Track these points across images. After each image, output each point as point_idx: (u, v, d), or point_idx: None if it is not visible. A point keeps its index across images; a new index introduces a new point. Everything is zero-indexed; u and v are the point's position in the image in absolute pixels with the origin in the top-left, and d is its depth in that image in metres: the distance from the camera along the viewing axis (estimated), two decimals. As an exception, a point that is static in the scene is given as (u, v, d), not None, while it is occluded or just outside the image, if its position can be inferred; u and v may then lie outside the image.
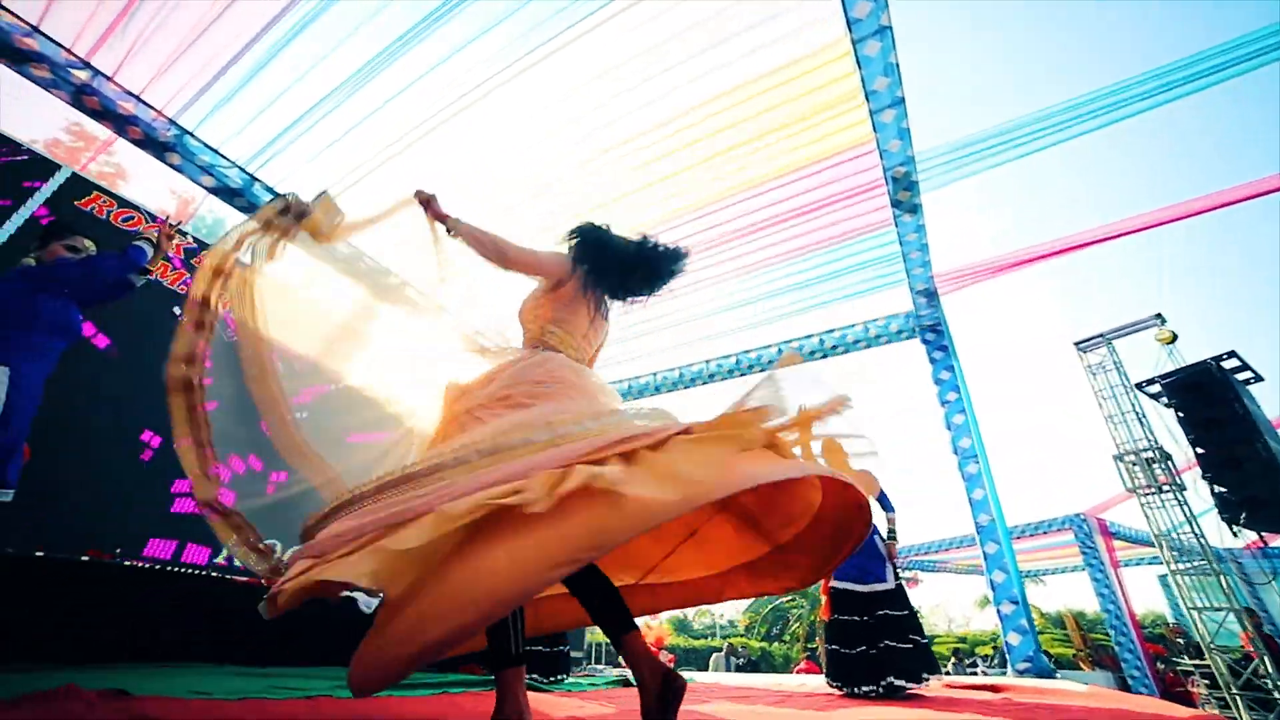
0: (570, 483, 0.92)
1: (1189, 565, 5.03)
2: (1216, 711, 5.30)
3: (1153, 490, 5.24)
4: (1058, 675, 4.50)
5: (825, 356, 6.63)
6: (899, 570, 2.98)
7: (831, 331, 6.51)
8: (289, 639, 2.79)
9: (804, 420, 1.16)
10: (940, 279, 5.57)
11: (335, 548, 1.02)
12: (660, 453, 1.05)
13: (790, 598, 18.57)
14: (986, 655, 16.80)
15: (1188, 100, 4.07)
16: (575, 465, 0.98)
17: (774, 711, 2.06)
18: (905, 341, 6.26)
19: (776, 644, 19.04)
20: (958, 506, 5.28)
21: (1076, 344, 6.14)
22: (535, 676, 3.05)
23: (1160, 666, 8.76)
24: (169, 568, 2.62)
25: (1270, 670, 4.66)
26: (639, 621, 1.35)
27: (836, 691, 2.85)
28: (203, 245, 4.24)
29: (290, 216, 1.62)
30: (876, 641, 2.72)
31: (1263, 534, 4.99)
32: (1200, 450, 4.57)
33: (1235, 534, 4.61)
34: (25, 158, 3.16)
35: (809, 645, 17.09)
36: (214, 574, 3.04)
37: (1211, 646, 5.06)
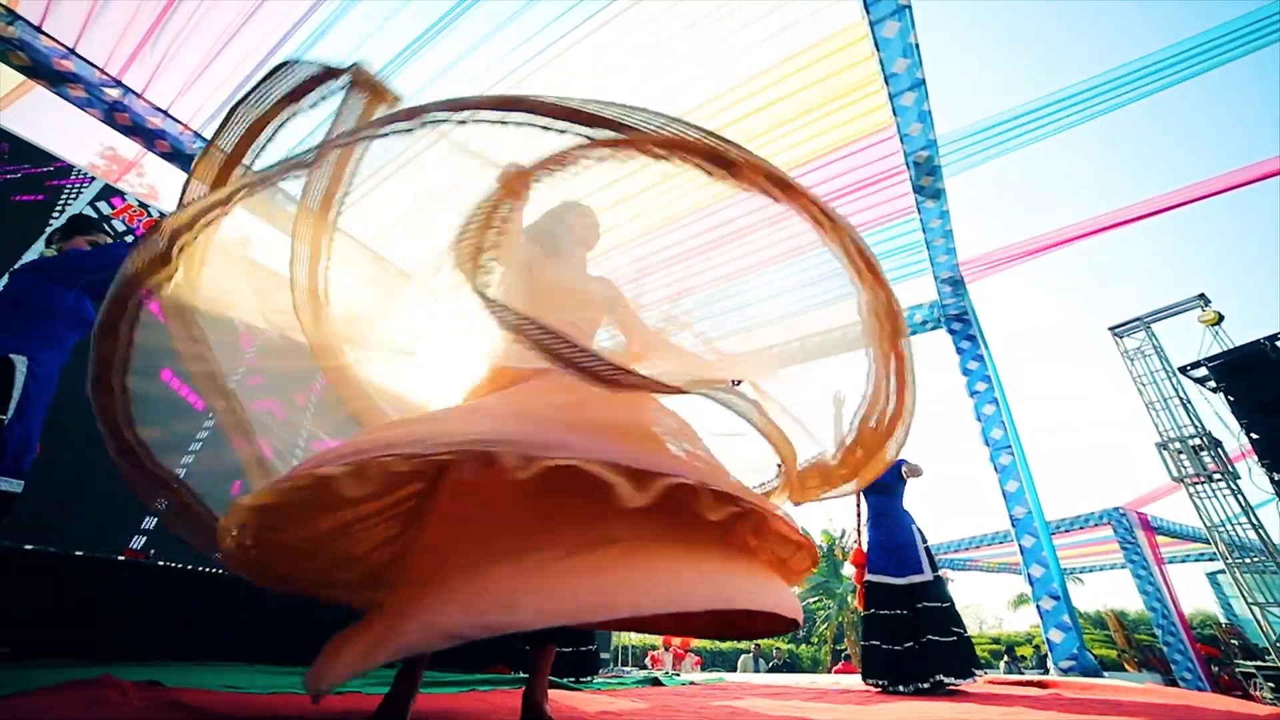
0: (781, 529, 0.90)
1: (1248, 560, 4.75)
2: None
3: (1202, 479, 4.98)
4: (1104, 676, 4.30)
5: (849, 351, 6.49)
6: (934, 559, 2.86)
7: (855, 324, 6.36)
8: (321, 640, 2.80)
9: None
10: (965, 266, 5.42)
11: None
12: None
13: (817, 598, 18.24)
14: (1023, 656, 16.26)
15: (1230, 67, 3.90)
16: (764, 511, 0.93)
17: (811, 706, 1.98)
18: (931, 332, 6.11)
19: (804, 646, 18.71)
20: (986, 502, 5.11)
21: (1112, 329, 5.89)
22: (561, 679, 3.02)
23: (1214, 669, 8.34)
24: (202, 568, 2.65)
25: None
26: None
27: (874, 689, 2.75)
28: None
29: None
30: (920, 636, 2.60)
31: (1326, 523, 4.70)
32: (1255, 436, 4.31)
33: (1298, 524, 4.35)
34: (61, 167, 3.26)
35: (837, 646, 16.75)
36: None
37: (1279, 645, 4.76)
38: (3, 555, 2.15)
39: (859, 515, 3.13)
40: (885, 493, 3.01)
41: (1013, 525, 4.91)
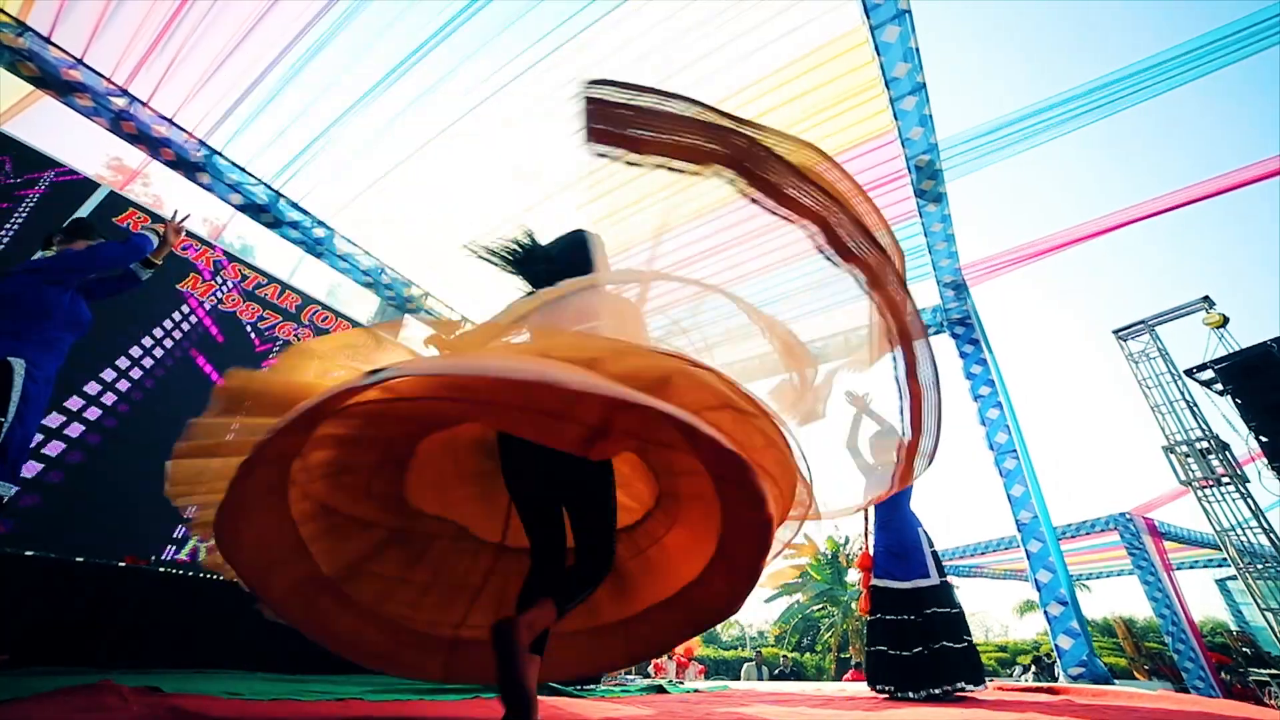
0: None
1: (1260, 566, 4.68)
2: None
3: (1211, 483, 4.93)
4: (1113, 681, 4.23)
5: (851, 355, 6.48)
6: (941, 564, 2.82)
7: (857, 329, 6.36)
8: (319, 648, 2.78)
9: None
10: (967, 270, 5.41)
11: None
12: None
13: (821, 605, 18.07)
14: (1028, 665, 16.07)
15: (1232, 68, 3.91)
16: None
17: (819, 714, 1.95)
18: (934, 336, 6.09)
19: (808, 654, 18.52)
20: (991, 508, 5.07)
21: (1116, 332, 5.87)
22: (565, 686, 2.98)
23: (1225, 677, 8.22)
24: (202, 574, 2.63)
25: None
26: None
27: (881, 695, 2.70)
28: (231, 257, 4.35)
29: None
30: (932, 642, 2.56)
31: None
32: (1264, 439, 4.27)
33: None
34: (68, 177, 3.28)
35: (841, 655, 16.58)
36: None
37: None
38: (2, 561, 2.14)
39: (866, 519, 3.11)
40: (891, 495, 2.97)
41: (1019, 530, 4.87)
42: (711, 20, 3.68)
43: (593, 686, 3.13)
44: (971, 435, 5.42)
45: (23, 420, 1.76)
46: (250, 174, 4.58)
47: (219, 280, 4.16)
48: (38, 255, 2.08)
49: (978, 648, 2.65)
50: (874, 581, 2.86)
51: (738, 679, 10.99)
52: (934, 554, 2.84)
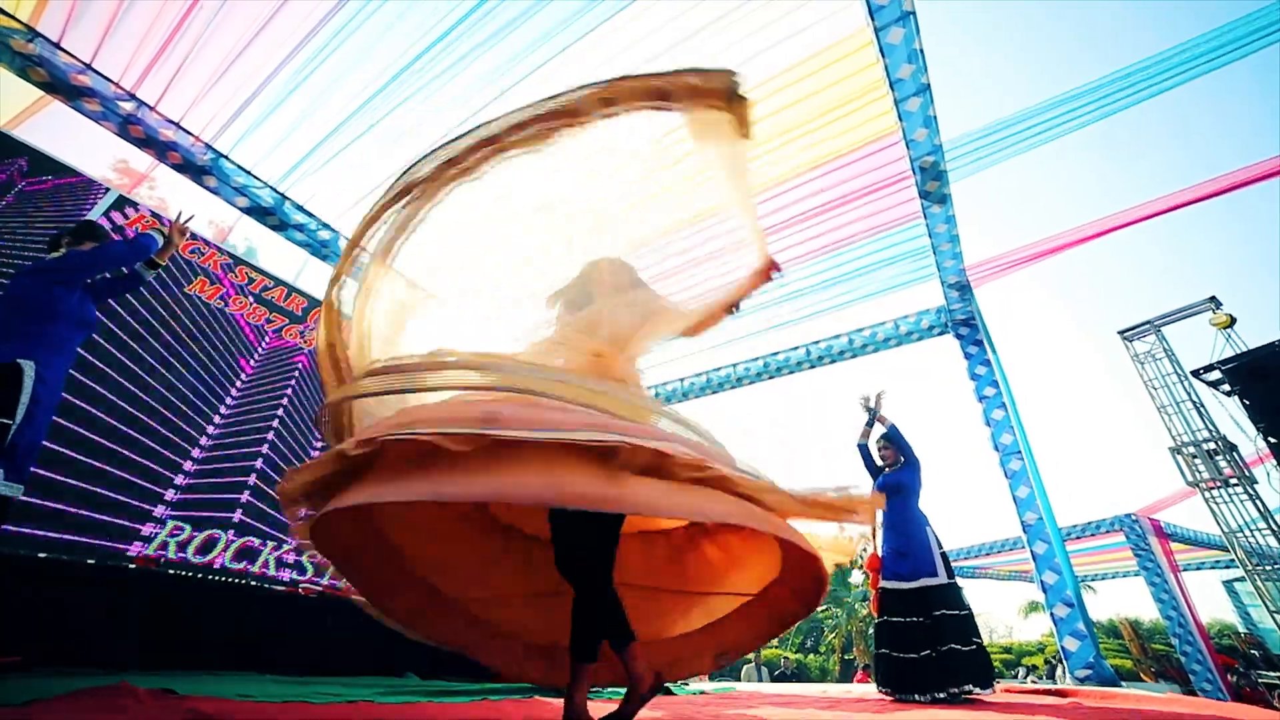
0: None
1: (1269, 567, 4.65)
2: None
3: (1218, 484, 4.91)
4: (1120, 683, 4.21)
5: (855, 356, 6.47)
6: (950, 564, 2.81)
7: (861, 330, 6.36)
8: (332, 649, 2.78)
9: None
10: (971, 270, 5.40)
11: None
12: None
13: (825, 607, 18.03)
14: (1033, 666, 16.00)
15: (1236, 65, 3.90)
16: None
17: (828, 716, 1.95)
18: (938, 337, 6.08)
19: (812, 655, 18.47)
20: (995, 509, 5.06)
21: (1121, 332, 5.85)
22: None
23: (1232, 679, 8.16)
24: (211, 577, 2.64)
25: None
26: None
27: (888, 697, 2.70)
28: (238, 260, 4.37)
29: None
30: (939, 644, 2.55)
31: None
32: (1273, 439, 4.25)
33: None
34: (73, 179, 3.30)
35: (845, 656, 16.54)
36: (252, 583, 3.07)
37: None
38: (12, 564, 2.16)
39: (873, 520, 3.10)
40: (900, 494, 2.96)
41: (1024, 531, 4.85)
42: (716, 22, 3.69)
43: (600, 687, 3.13)
44: (976, 436, 5.41)
45: (32, 421, 1.76)
46: (256, 177, 4.60)
47: (226, 283, 4.18)
48: (47, 257, 2.08)
49: (987, 649, 2.64)
50: (883, 583, 2.85)
51: (738, 680, 10.96)
52: (943, 555, 2.83)
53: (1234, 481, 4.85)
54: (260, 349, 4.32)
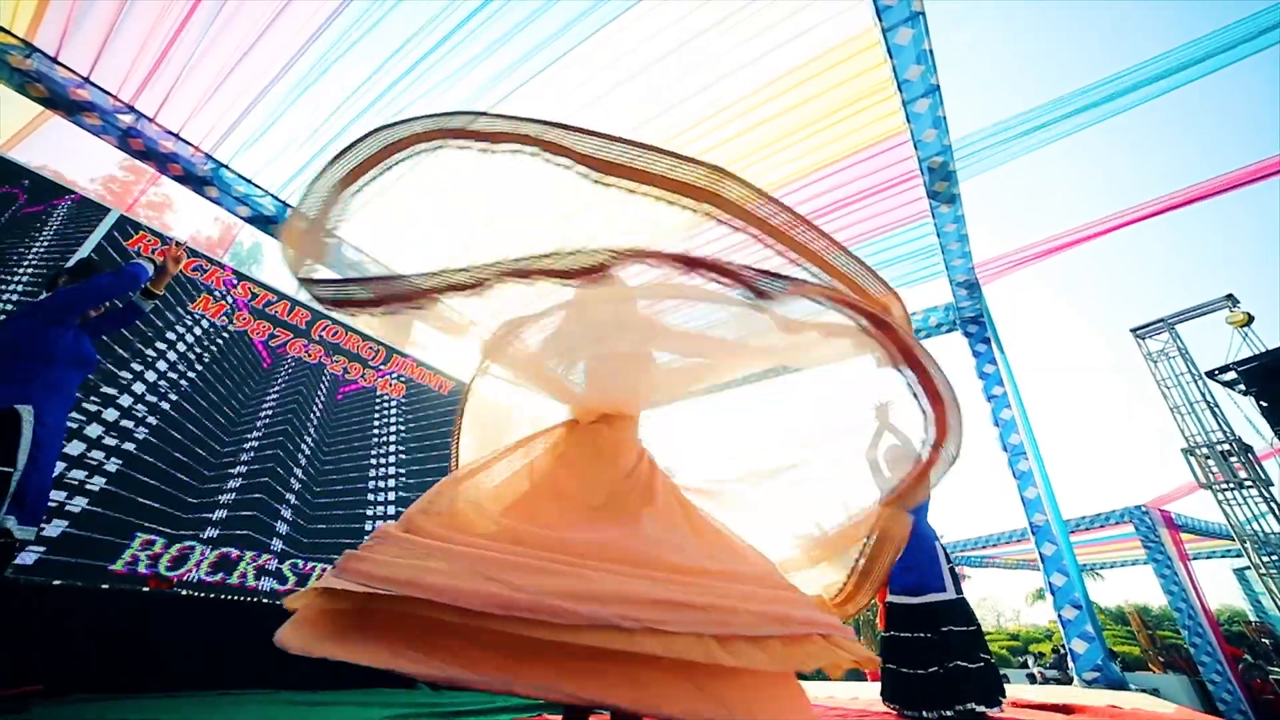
0: None
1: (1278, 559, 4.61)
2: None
3: (1232, 485, 4.85)
4: (1129, 685, 4.22)
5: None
6: (959, 579, 2.79)
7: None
8: (341, 664, 2.82)
9: None
10: (980, 268, 5.32)
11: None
12: None
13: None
14: (1041, 653, 16.06)
15: (1246, 61, 3.77)
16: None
17: (833, 743, 1.96)
18: (946, 335, 6.01)
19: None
20: (1004, 500, 5.03)
21: (1134, 330, 5.75)
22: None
23: (1240, 666, 8.15)
24: (223, 596, 2.68)
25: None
26: None
27: (893, 711, 2.71)
28: (245, 277, 4.37)
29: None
30: (946, 661, 2.54)
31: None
32: (1289, 441, 4.19)
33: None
34: (72, 199, 3.30)
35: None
36: (264, 600, 3.12)
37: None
38: (29, 593, 2.20)
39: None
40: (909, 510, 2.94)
41: (1033, 533, 4.84)
42: (723, 23, 3.61)
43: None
44: (984, 429, 5.37)
45: (37, 465, 1.73)
46: (257, 185, 4.58)
47: (229, 300, 4.19)
48: (40, 298, 2.06)
49: (986, 635, 2.61)
50: (890, 598, 2.84)
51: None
52: (951, 570, 2.81)
53: (1249, 483, 4.79)
54: (263, 357, 4.35)
